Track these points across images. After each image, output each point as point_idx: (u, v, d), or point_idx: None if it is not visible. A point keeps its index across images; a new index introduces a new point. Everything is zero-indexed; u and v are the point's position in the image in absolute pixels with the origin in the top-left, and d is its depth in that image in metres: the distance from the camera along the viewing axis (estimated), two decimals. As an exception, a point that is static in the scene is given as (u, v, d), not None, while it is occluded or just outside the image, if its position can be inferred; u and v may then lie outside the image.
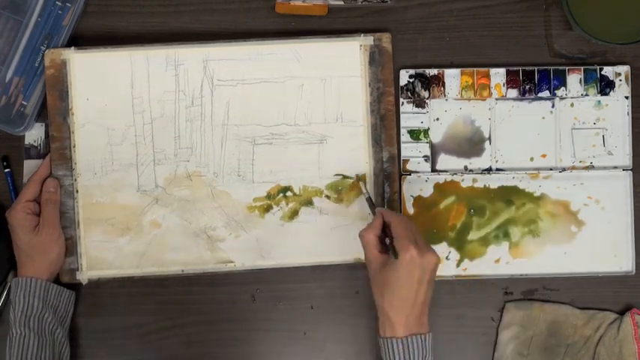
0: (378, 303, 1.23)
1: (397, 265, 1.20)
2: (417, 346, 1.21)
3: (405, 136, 1.41)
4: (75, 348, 1.41)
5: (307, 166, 1.38)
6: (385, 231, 1.26)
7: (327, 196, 1.38)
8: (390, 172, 1.39)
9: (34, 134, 1.41)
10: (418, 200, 1.41)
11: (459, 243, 1.41)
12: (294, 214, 1.38)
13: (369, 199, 1.35)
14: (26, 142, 1.41)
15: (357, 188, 1.38)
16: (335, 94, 1.38)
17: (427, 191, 1.41)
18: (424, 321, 1.24)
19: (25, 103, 1.38)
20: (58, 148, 1.37)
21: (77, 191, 1.37)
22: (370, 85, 1.38)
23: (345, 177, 1.38)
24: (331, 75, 1.38)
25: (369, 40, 1.38)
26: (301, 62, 1.38)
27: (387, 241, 1.25)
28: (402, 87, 1.41)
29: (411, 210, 1.41)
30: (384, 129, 1.38)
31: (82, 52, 1.37)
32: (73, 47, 1.37)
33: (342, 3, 1.40)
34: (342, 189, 1.39)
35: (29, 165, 1.41)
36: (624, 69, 1.41)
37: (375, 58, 1.38)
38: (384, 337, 1.22)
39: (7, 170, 1.41)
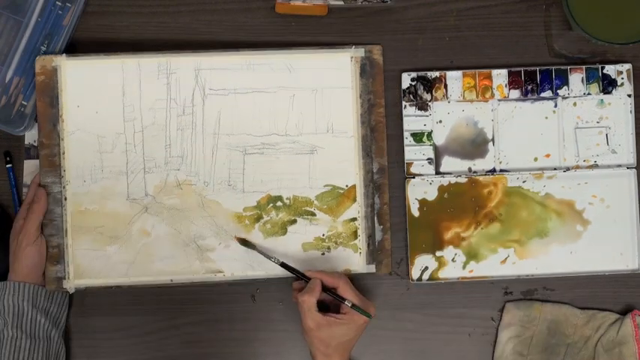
0: (321, 350, 1.31)
1: (350, 323, 1.30)
2: None
3: (408, 139, 1.41)
4: (75, 348, 1.41)
5: (298, 176, 1.38)
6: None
7: (317, 207, 1.39)
8: (380, 184, 1.39)
9: (34, 134, 1.40)
10: (423, 203, 1.41)
11: (465, 245, 1.41)
12: (284, 224, 1.38)
13: (284, 265, 1.36)
14: (26, 142, 1.41)
15: (347, 199, 1.39)
16: (326, 105, 1.39)
17: (432, 194, 1.41)
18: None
19: (25, 103, 1.38)
20: (47, 155, 1.36)
21: (66, 199, 1.36)
22: (361, 96, 1.38)
23: (335, 188, 1.39)
24: (322, 86, 1.38)
25: (360, 52, 1.38)
26: (293, 73, 1.38)
27: (349, 303, 1.29)
28: (404, 90, 1.41)
29: (415, 213, 1.41)
30: (375, 140, 1.39)
31: (74, 59, 1.36)
32: (64, 54, 1.36)
33: (342, 3, 1.40)
34: (332, 200, 1.39)
35: (29, 165, 1.41)
36: (626, 67, 1.42)
37: (365, 69, 1.38)
38: None
39: (8, 166, 1.41)
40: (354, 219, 1.39)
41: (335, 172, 1.39)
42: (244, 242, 1.37)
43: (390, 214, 1.40)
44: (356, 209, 1.39)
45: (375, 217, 1.39)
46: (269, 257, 1.35)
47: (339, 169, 1.39)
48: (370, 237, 1.39)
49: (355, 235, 1.39)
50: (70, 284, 1.36)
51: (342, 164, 1.39)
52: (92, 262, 1.37)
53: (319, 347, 1.30)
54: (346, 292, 1.30)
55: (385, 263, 1.39)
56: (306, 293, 1.29)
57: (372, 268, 1.39)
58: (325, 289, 1.31)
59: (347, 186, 1.39)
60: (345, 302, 1.29)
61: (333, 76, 1.38)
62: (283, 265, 1.34)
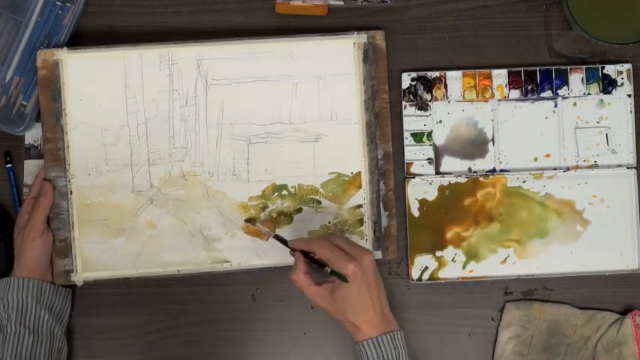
0: (342, 320, 1.25)
1: (344, 284, 1.22)
2: (388, 344, 1.24)
3: (408, 139, 1.41)
4: (75, 348, 1.41)
5: (302, 164, 1.38)
6: (308, 256, 1.28)
7: (323, 195, 1.38)
8: (385, 170, 1.39)
9: (34, 134, 1.40)
10: (423, 203, 1.41)
11: (465, 245, 1.41)
12: (289, 212, 1.38)
13: (277, 238, 1.33)
14: (26, 142, 1.41)
15: (352, 187, 1.38)
16: (329, 92, 1.39)
17: (432, 194, 1.41)
18: (390, 320, 1.27)
19: (25, 103, 1.37)
20: (51, 149, 1.36)
21: (71, 192, 1.36)
22: (364, 82, 1.38)
23: (340, 175, 1.38)
24: (325, 73, 1.38)
25: (362, 38, 1.38)
26: (295, 61, 1.38)
27: (328, 270, 1.24)
28: (404, 90, 1.41)
29: (416, 213, 1.41)
30: (379, 127, 1.39)
31: (75, 52, 1.36)
32: (65, 48, 1.36)
33: (342, 3, 1.41)
34: (338, 187, 1.38)
35: (29, 165, 1.41)
36: (626, 67, 1.42)
37: (368, 55, 1.38)
38: (357, 342, 1.25)
39: (8, 166, 1.41)
40: (360, 206, 1.39)
41: (340, 159, 1.38)
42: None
43: (396, 199, 1.40)
44: (361, 196, 1.39)
45: (381, 204, 1.38)
46: (267, 232, 1.34)
47: (344, 157, 1.38)
48: (376, 223, 1.38)
49: (361, 222, 1.38)
50: (78, 277, 1.36)
51: (346, 151, 1.38)
52: (99, 255, 1.36)
53: (341, 319, 1.25)
54: (321, 253, 1.24)
55: (392, 249, 1.39)
56: (292, 272, 1.25)
57: (379, 255, 1.38)
58: (311, 258, 1.27)
59: (352, 173, 1.39)
60: (325, 268, 1.25)
61: (335, 62, 1.38)
62: (276, 237, 1.32)
